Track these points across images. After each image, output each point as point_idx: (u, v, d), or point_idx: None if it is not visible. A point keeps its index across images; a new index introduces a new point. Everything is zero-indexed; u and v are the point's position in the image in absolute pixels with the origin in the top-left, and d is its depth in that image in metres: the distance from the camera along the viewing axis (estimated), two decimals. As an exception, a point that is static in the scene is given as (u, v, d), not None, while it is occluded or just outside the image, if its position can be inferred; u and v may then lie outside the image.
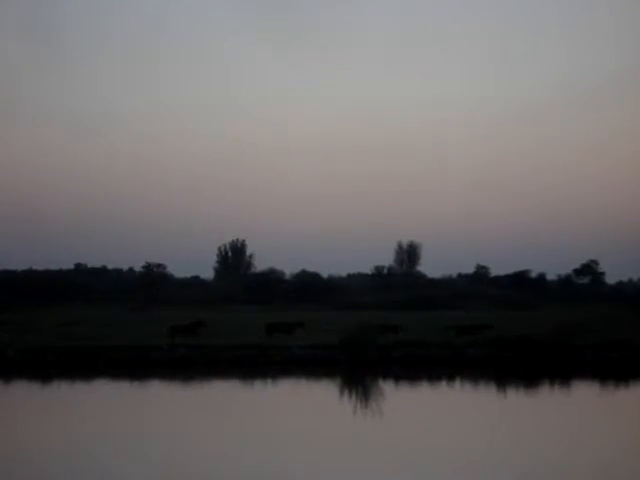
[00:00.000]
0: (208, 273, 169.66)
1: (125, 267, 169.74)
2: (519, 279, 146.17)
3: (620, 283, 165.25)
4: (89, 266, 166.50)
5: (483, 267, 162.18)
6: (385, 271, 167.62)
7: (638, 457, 30.62)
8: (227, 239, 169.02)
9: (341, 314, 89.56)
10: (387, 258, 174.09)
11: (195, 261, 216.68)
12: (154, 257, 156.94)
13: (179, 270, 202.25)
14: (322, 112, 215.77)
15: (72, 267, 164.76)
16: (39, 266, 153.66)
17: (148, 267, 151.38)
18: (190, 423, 38.39)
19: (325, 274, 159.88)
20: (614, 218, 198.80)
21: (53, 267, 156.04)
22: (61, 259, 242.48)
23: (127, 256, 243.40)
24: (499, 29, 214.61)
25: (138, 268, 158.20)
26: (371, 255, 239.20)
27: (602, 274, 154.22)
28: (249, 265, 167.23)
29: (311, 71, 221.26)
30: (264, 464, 28.75)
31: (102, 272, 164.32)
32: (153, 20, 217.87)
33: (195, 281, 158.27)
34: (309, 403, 45.79)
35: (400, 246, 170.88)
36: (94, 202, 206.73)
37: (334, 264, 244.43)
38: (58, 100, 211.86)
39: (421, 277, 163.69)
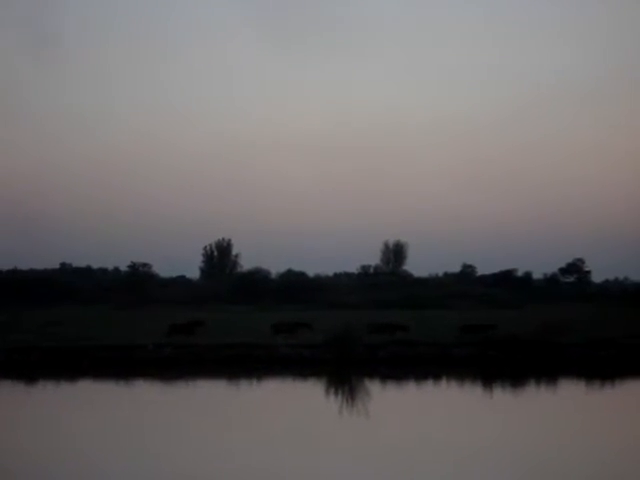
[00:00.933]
0: (194, 273, 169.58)
1: (110, 267, 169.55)
2: (505, 278, 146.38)
3: (606, 282, 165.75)
4: (74, 266, 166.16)
5: (469, 266, 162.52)
6: (371, 270, 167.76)
7: (622, 454, 30.59)
8: (213, 238, 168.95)
9: (328, 313, 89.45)
10: (373, 257, 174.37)
11: (181, 261, 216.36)
12: (139, 257, 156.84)
13: (164, 270, 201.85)
14: (314, 111, 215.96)
15: (57, 267, 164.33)
16: (24, 266, 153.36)
17: (133, 267, 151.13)
18: (174, 423, 38.26)
19: (311, 273, 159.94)
20: (600, 217, 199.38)
21: (38, 267, 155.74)
22: (46, 259, 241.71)
23: (112, 256, 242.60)
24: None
25: (123, 268, 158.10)
26: (357, 254, 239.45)
27: (588, 273, 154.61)
28: (235, 265, 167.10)
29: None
30: (248, 464, 28.60)
31: (87, 272, 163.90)
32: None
33: (181, 281, 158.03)
34: (294, 403, 45.71)
35: (386, 245, 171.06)
36: (78, 201, 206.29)
37: (320, 263, 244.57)
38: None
39: (407, 276, 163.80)
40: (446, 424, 37.85)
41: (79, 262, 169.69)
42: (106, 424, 38.02)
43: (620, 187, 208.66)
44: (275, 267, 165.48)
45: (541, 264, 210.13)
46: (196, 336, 66.91)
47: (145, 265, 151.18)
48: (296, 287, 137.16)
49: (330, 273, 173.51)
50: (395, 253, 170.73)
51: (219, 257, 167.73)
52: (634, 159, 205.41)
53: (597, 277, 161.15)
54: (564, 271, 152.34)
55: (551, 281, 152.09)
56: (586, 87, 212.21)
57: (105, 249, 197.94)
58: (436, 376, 56.28)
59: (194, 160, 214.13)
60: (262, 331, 68.93)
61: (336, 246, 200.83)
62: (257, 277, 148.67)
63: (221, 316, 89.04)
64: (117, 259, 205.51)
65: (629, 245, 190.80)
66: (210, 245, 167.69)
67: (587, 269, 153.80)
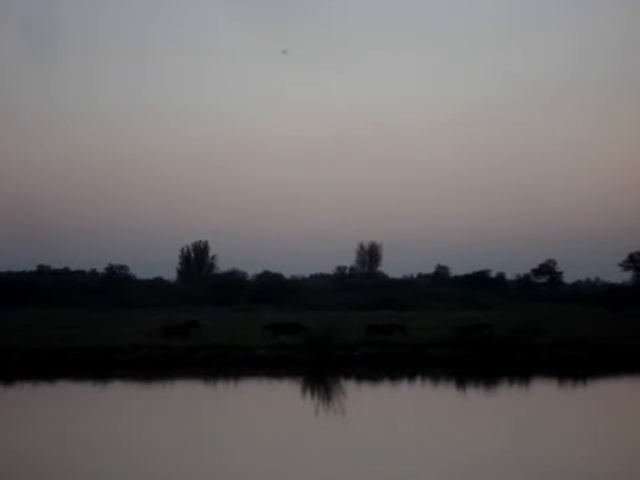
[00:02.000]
0: (171, 275, 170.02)
1: (88, 269, 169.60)
2: (479, 279, 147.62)
3: (578, 282, 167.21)
4: (51, 268, 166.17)
5: (443, 267, 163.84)
6: (347, 271, 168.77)
7: (590, 453, 31.33)
8: (190, 240, 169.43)
9: (304, 314, 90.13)
10: (349, 258, 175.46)
11: (158, 262, 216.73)
12: (116, 259, 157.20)
13: (142, 271, 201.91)
14: (295, 114, 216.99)
15: (34, 269, 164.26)
16: (1, 268, 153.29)
17: (111, 269, 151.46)
18: (148, 423, 38.64)
19: (287, 275, 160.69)
20: (572, 218, 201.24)
21: (15, 269, 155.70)
22: (23, 261, 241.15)
23: (90, 258, 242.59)
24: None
25: (101, 270, 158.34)
26: (333, 256, 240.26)
27: (560, 274, 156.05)
28: (212, 266, 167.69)
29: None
30: (223, 464, 29.02)
31: (65, 274, 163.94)
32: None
33: (158, 282, 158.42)
34: (270, 403, 46.19)
35: (361, 247, 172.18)
36: (56, 203, 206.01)
37: (296, 265, 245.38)
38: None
39: (383, 277, 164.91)
40: (420, 423, 38.49)
41: (57, 264, 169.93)
42: (80, 425, 38.24)
43: (591, 189, 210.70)
44: (251, 269, 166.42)
45: (514, 265, 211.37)
46: (190, 337, 67.12)
47: (122, 267, 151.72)
48: (272, 288, 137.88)
49: (306, 274, 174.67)
50: (370, 254, 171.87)
51: (196, 259, 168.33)
52: (605, 162, 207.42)
53: (569, 278, 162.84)
54: (536, 272, 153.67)
55: (524, 282, 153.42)
56: (560, 92, 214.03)
57: (83, 251, 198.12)
58: (411, 376, 57.03)
59: (172, 162, 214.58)
60: (250, 332, 69.62)
61: (312, 248, 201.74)
62: (234, 279, 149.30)
63: (203, 317, 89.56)
64: (95, 261, 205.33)
65: (600, 246, 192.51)
66: (187, 247, 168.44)
67: (559, 270, 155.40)
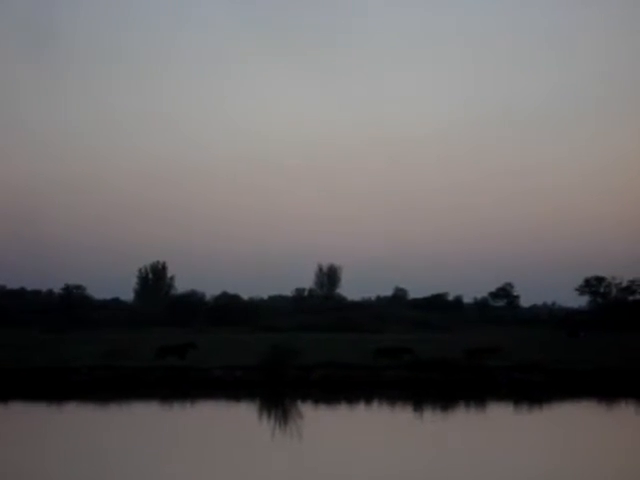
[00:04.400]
0: (128, 295, 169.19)
1: (44, 289, 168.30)
2: (436, 302, 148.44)
3: (534, 306, 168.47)
4: (7, 288, 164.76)
5: (401, 289, 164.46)
6: (306, 293, 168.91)
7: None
8: (147, 261, 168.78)
9: (262, 336, 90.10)
10: (308, 280, 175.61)
11: (115, 283, 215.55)
12: (73, 279, 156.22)
13: (99, 292, 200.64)
14: (257, 135, 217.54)
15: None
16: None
17: (67, 289, 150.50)
18: (99, 447, 38.12)
19: (246, 296, 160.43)
20: (529, 242, 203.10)
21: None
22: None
23: (46, 278, 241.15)
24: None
25: (57, 290, 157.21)
26: (292, 277, 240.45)
27: (517, 297, 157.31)
28: (170, 287, 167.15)
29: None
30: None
31: (20, 294, 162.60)
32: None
33: (115, 303, 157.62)
34: (226, 426, 46.05)
35: (320, 269, 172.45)
36: (12, 222, 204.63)
37: (255, 286, 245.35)
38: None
39: (341, 299, 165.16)
40: (376, 447, 38.45)
41: (12, 284, 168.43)
42: (25, 447, 37.71)
43: (547, 214, 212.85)
44: (210, 290, 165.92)
45: (472, 288, 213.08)
46: (187, 358, 67.42)
47: (79, 287, 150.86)
48: (231, 310, 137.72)
49: (265, 296, 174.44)
50: (329, 276, 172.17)
51: (154, 279, 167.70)
52: (563, 187, 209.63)
53: (526, 302, 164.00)
54: (494, 295, 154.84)
55: (481, 305, 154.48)
56: (526, 118, 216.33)
57: (39, 271, 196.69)
58: (367, 399, 57.07)
59: (130, 181, 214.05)
60: (209, 352, 69.68)
61: (271, 269, 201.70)
62: (192, 299, 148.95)
63: (158, 338, 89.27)
64: (51, 281, 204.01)
65: (557, 270, 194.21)
66: (145, 267, 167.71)
67: (516, 294, 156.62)
